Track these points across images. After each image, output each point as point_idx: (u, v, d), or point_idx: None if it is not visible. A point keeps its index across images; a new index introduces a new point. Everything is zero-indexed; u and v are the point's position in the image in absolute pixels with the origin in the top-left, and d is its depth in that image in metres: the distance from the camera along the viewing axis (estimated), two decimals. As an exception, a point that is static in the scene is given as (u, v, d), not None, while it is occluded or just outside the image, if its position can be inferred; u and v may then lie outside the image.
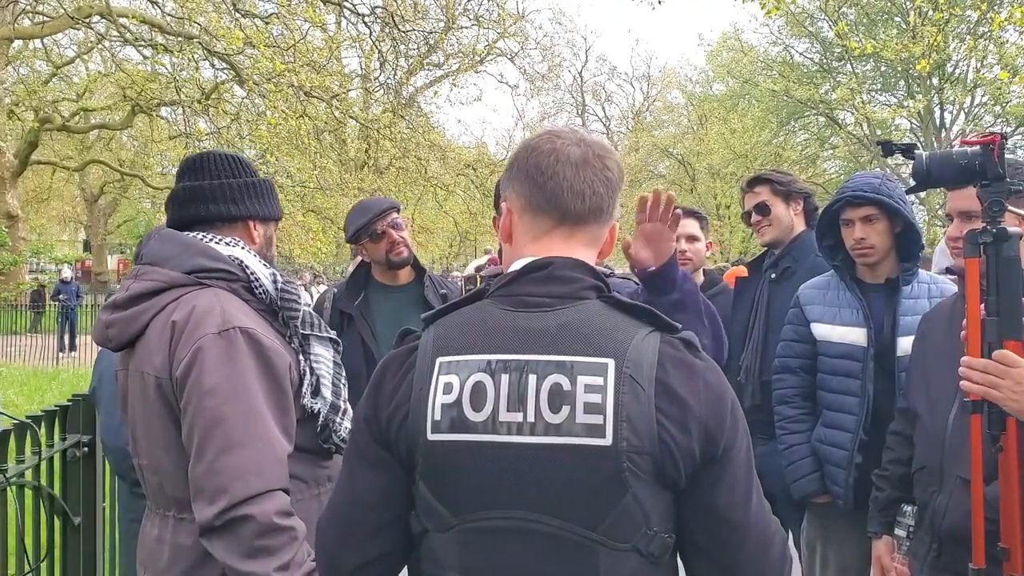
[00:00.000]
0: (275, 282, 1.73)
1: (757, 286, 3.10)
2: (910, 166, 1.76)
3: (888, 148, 1.73)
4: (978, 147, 1.64)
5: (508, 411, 1.13)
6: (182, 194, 1.77)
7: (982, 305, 1.65)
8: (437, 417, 1.16)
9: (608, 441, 1.11)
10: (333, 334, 1.81)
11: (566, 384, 1.13)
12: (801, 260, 2.97)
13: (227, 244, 1.73)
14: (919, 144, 1.73)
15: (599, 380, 1.12)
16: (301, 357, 1.70)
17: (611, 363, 1.13)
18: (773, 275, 3.01)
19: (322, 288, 18.08)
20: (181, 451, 1.56)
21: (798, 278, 2.83)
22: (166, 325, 1.59)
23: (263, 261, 1.76)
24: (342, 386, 1.77)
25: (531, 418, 1.13)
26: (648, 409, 1.12)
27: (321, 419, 1.69)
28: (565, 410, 1.12)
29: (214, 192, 1.75)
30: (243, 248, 1.74)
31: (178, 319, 1.58)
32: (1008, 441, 1.62)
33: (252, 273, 1.70)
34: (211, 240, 1.73)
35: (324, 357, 1.75)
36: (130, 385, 1.66)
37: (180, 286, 1.64)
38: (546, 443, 1.12)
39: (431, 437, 1.16)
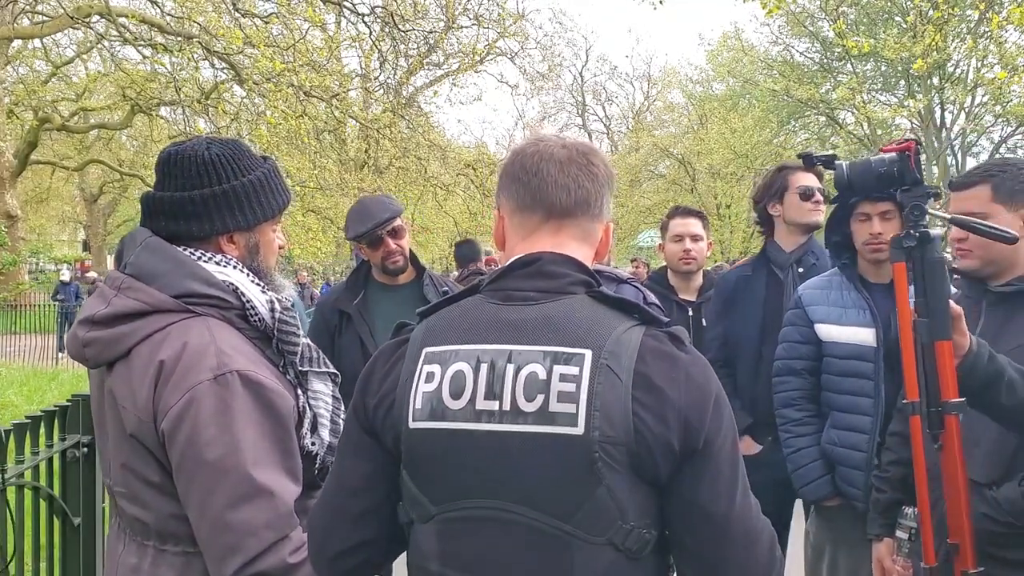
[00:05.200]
0: (272, 311, 1.58)
1: (763, 283, 3.09)
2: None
3: (809, 160, 1.77)
4: (895, 154, 1.69)
5: (485, 399, 1.15)
6: (148, 203, 1.60)
7: (912, 307, 1.70)
8: (418, 405, 1.17)
9: (580, 430, 1.11)
10: (332, 368, 1.69)
11: (542, 373, 1.14)
12: (822, 257, 3.02)
13: (219, 264, 1.57)
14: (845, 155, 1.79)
15: (575, 370, 1.13)
16: (299, 391, 1.59)
17: (588, 353, 1.13)
18: (802, 270, 3.02)
19: (318, 288, 18.13)
20: (168, 493, 1.47)
21: (820, 273, 2.85)
22: (152, 362, 1.44)
23: (257, 281, 1.61)
24: (340, 422, 1.66)
25: (507, 406, 1.14)
26: (624, 399, 1.11)
27: (318, 462, 1.60)
28: (539, 399, 1.13)
29: (175, 208, 1.56)
30: (236, 267, 1.59)
31: (167, 358, 1.43)
32: (948, 440, 1.64)
33: (248, 301, 1.55)
34: (203, 259, 1.57)
35: (323, 393, 1.65)
36: (106, 408, 1.54)
37: (168, 311, 1.49)
38: (520, 431, 1.13)
39: (412, 425, 1.18)
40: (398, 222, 3.02)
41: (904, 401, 1.70)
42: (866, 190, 1.77)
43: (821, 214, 3.07)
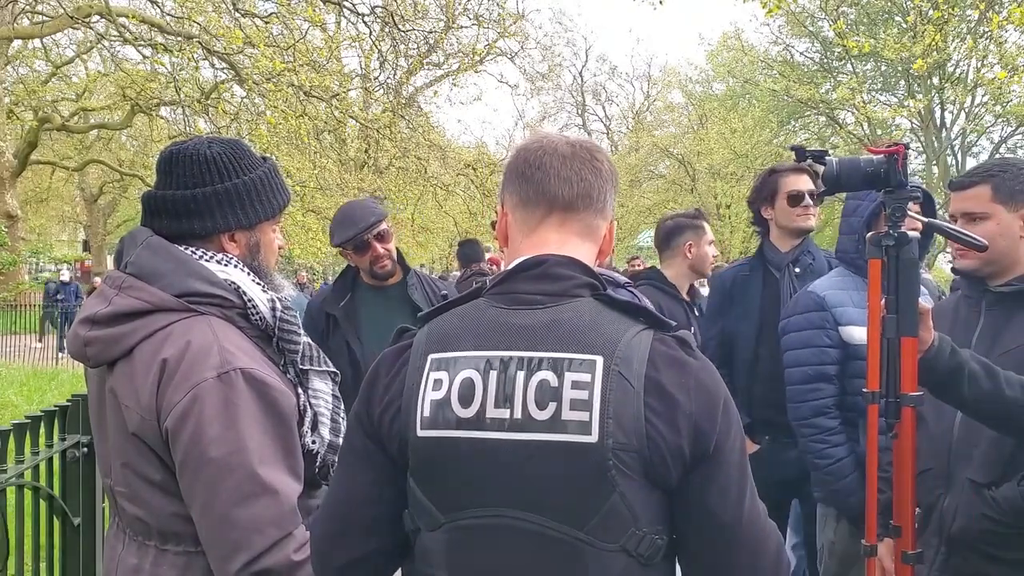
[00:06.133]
0: (274, 310, 1.59)
1: (760, 283, 3.09)
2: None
3: (801, 154, 1.82)
4: (883, 156, 1.75)
5: (495, 407, 1.13)
6: (149, 202, 1.60)
7: (882, 302, 1.77)
8: (426, 413, 1.16)
9: (594, 438, 1.10)
10: (332, 367, 1.70)
11: (553, 381, 1.12)
12: (817, 256, 3.02)
13: (220, 263, 1.58)
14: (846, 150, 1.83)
15: (586, 377, 1.12)
16: (300, 390, 1.60)
17: (600, 360, 1.12)
18: (798, 270, 3.01)
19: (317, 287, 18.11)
20: (170, 492, 1.47)
21: (817, 273, 2.85)
22: (154, 360, 1.44)
23: (258, 280, 1.61)
24: (341, 421, 1.66)
25: (518, 415, 1.12)
26: (636, 406, 1.11)
27: (319, 461, 1.61)
28: (552, 407, 1.12)
29: (177, 206, 1.56)
30: (237, 267, 1.59)
31: (169, 357, 1.43)
32: (903, 430, 1.74)
33: (250, 300, 1.56)
34: (204, 258, 1.57)
35: (323, 392, 1.65)
36: (108, 407, 1.53)
37: (170, 310, 1.49)
38: (532, 440, 1.12)
39: (420, 433, 1.16)
40: (384, 226, 2.97)
41: (864, 390, 1.77)
42: (851, 186, 1.83)
43: (812, 218, 3.04)
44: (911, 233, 1.74)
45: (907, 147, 1.75)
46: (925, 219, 1.89)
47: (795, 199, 3.04)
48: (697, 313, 3.38)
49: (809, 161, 1.84)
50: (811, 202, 3.02)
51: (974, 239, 1.82)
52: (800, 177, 3.04)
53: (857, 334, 2.51)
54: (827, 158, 1.80)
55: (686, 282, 3.43)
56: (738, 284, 3.19)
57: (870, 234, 1.78)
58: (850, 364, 2.54)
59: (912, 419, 1.74)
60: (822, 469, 2.54)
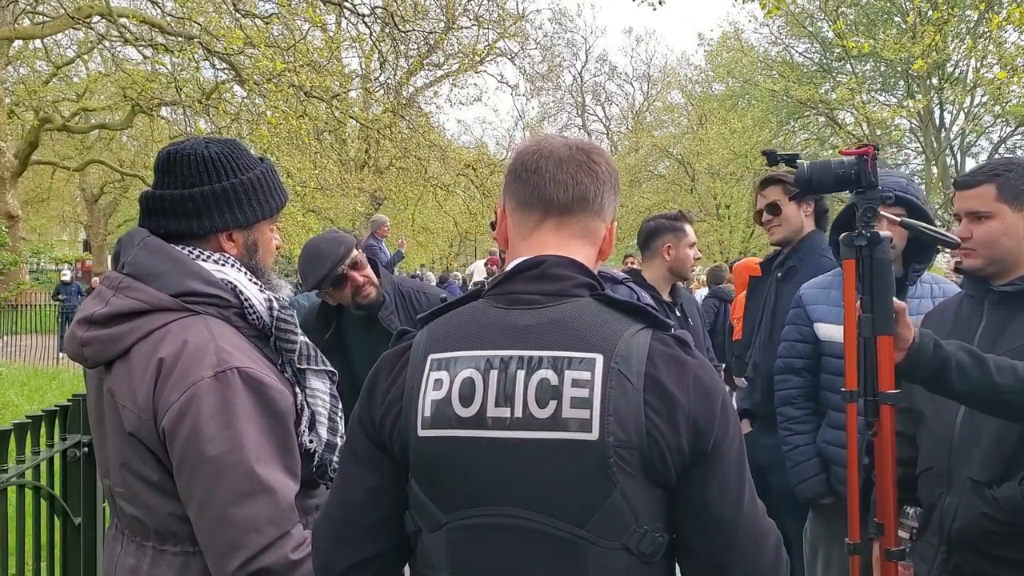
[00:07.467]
0: (271, 309, 1.59)
1: (767, 284, 3.17)
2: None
3: (772, 158, 1.86)
4: (853, 158, 1.78)
5: (496, 406, 1.14)
6: (146, 202, 1.60)
7: (858, 303, 1.78)
8: (427, 413, 1.16)
9: (595, 436, 1.11)
10: (329, 366, 1.70)
11: (554, 379, 1.13)
12: (805, 260, 3.04)
13: (217, 262, 1.58)
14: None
15: (586, 375, 1.13)
16: (297, 389, 1.60)
17: (599, 358, 1.13)
18: (780, 274, 3.10)
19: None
20: (167, 492, 1.48)
21: (801, 277, 2.90)
22: (151, 360, 1.45)
23: (255, 280, 1.62)
24: (339, 420, 1.67)
25: (519, 413, 1.13)
26: (636, 404, 1.12)
27: (316, 459, 1.61)
28: (552, 405, 1.13)
29: (175, 206, 1.57)
30: (234, 266, 1.60)
31: (166, 356, 1.44)
32: (882, 427, 1.76)
33: (247, 300, 1.56)
34: (200, 257, 1.58)
35: (321, 391, 1.66)
36: (106, 407, 1.54)
37: (167, 310, 1.49)
38: (533, 438, 1.12)
39: (421, 433, 1.17)
40: (355, 253, 2.80)
41: (843, 389, 1.79)
42: (823, 188, 1.86)
43: (775, 231, 3.12)
44: (883, 233, 1.76)
45: (877, 149, 1.78)
46: (899, 219, 1.91)
47: (757, 216, 3.22)
48: (679, 313, 3.39)
49: (781, 164, 1.86)
50: (771, 216, 3.14)
51: (948, 237, 1.84)
52: (764, 191, 3.16)
53: (825, 330, 2.64)
54: (799, 161, 1.83)
55: (666, 284, 3.44)
56: (751, 286, 3.40)
57: (843, 235, 1.81)
58: (821, 358, 2.69)
59: (891, 417, 1.75)
60: (785, 454, 2.72)
